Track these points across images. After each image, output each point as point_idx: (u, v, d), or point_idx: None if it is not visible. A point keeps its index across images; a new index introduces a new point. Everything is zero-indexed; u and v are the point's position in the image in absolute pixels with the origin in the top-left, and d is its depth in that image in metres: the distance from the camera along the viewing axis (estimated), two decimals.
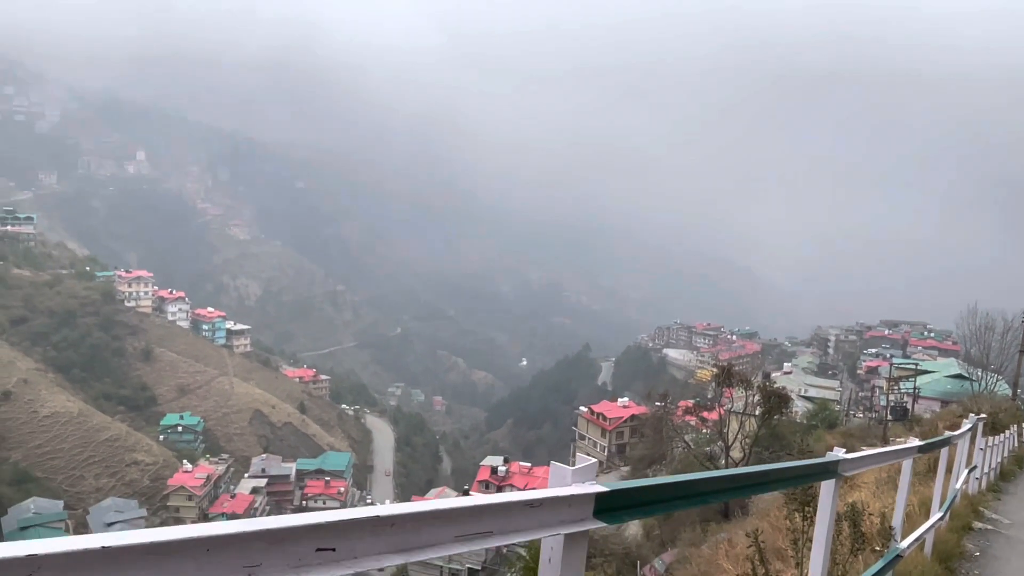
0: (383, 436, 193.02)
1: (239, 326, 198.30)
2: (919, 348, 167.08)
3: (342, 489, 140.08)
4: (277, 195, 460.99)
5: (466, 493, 68.15)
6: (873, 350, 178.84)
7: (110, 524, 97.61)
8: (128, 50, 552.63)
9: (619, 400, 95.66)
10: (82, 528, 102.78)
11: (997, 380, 47.05)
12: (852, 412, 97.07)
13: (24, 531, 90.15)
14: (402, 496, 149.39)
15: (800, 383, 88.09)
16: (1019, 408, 34.30)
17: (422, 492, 79.48)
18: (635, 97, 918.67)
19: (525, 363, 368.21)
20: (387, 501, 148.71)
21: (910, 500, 9.72)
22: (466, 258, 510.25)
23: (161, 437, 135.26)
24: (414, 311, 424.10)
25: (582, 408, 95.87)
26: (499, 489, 73.39)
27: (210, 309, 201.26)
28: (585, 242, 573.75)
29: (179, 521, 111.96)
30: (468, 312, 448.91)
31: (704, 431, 45.62)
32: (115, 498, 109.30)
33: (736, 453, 39.51)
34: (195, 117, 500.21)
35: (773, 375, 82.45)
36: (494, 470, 75.98)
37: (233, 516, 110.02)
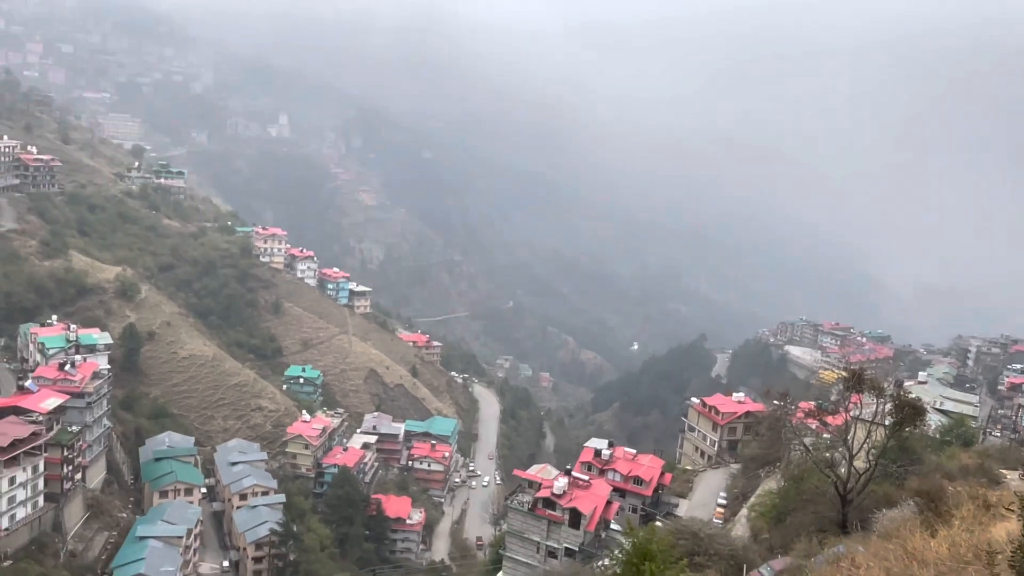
0: (489, 406, 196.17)
1: (361, 287, 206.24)
2: None
3: (447, 454, 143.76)
4: (404, 164, 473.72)
5: (568, 473, 67.68)
6: (1019, 366, 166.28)
7: (234, 463, 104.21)
8: (276, 18, 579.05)
9: (734, 394, 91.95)
10: (208, 464, 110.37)
11: None
12: (990, 431, 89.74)
13: (158, 462, 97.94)
14: (504, 469, 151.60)
15: (935, 395, 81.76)
16: None
17: (524, 466, 79.75)
18: (767, 86, 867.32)
19: (636, 347, 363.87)
20: (486, 478, 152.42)
21: None
22: (582, 237, 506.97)
23: (284, 387, 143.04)
24: (527, 286, 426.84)
25: (694, 399, 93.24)
26: (602, 472, 72.36)
27: (335, 269, 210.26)
28: (707, 231, 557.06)
29: (295, 467, 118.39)
30: (581, 291, 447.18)
31: (825, 436, 42.99)
32: (240, 440, 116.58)
33: (859, 463, 37.03)
34: (333, 85, 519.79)
35: (905, 384, 77.16)
36: (598, 453, 74.76)
37: (344, 468, 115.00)
